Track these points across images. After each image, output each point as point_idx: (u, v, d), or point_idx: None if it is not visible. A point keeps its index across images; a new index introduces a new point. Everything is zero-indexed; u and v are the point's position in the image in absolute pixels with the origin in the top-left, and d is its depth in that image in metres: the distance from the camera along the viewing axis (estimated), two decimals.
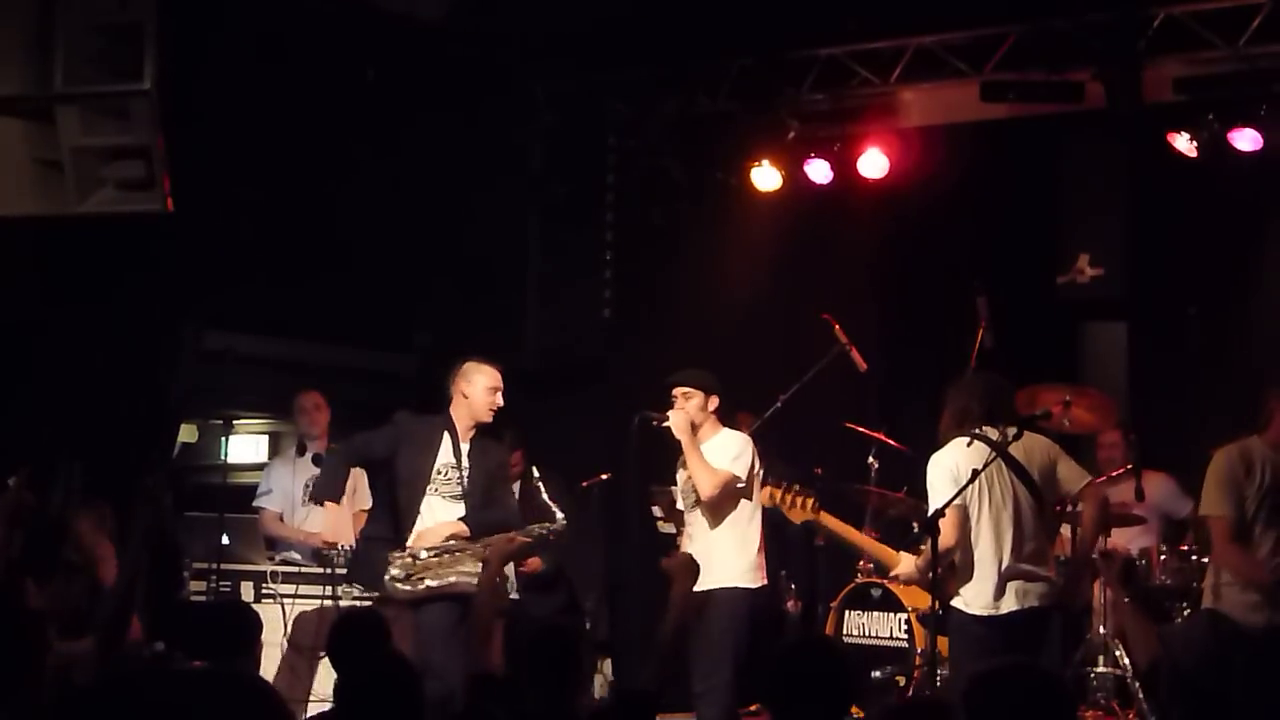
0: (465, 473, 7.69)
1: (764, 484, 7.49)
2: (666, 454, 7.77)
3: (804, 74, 10.31)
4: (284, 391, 9.63)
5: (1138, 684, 8.06)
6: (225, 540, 8.50)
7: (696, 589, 7.51)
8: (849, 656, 6.17)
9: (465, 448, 7.74)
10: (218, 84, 8.73)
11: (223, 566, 8.40)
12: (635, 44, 10.30)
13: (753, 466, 7.54)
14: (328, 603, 8.23)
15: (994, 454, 6.59)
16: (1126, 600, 8.32)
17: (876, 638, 8.84)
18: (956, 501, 6.50)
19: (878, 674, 8.64)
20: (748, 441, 7.59)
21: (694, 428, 7.50)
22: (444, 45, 10.03)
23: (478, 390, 7.81)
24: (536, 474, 8.05)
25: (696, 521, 7.61)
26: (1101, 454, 8.96)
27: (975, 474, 6.52)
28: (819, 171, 10.36)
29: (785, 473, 7.80)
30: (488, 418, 7.85)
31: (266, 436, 11.77)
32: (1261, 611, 6.66)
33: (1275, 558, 6.73)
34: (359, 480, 9.33)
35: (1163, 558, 8.41)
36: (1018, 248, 10.06)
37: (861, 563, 9.21)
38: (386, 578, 7.51)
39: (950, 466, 6.71)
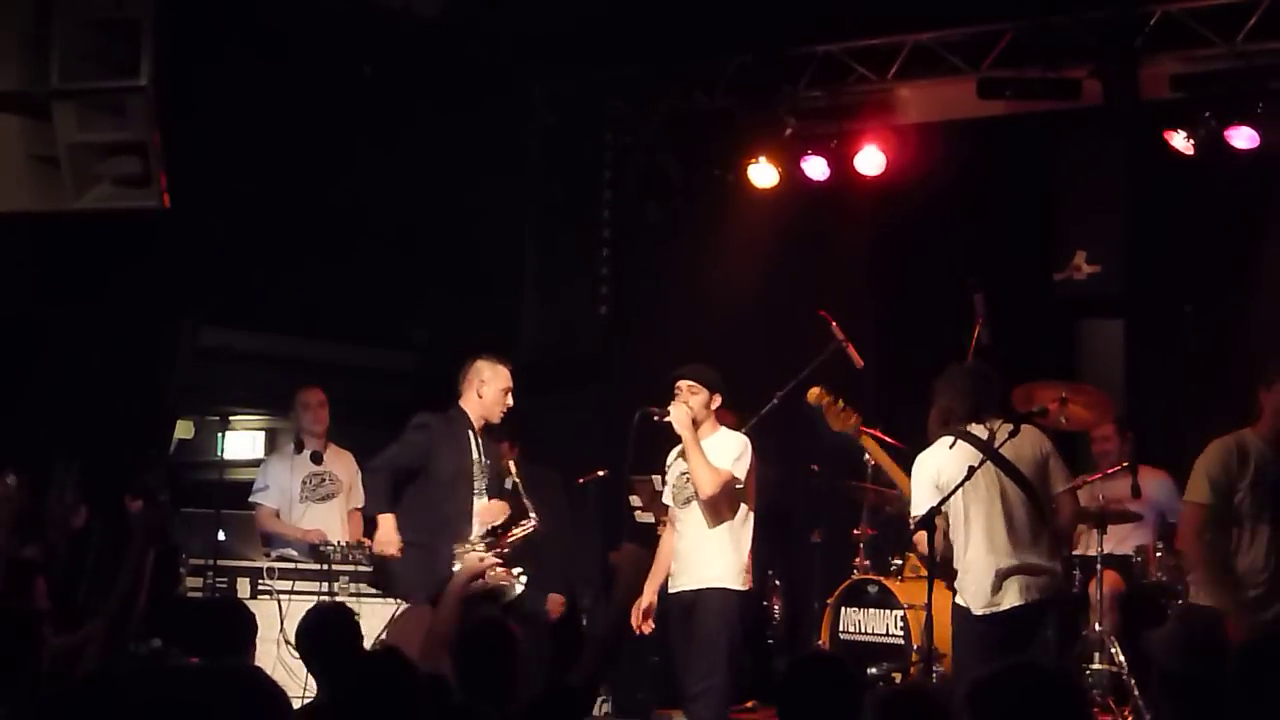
0: (485, 467, 7.85)
1: (814, 384, 7.61)
2: (665, 449, 7.78)
3: (801, 71, 10.31)
4: (281, 388, 9.63)
5: (1133, 680, 8.06)
6: (221, 536, 8.49)
7: (687, 588, 7.54)
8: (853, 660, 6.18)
9: (481, 443, 7.87)
10: (214, 80, 8.73)
11: (219, 563, 8.39)
12: (632, 41, 10.30)
13: (751, 468, 7.55)
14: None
15: (981, 458, 6.59)
16: None
17: (872, 635, 8.85)
18: (938, 505, 6.60)
19: (874, 671, 8.64)
20: (748, 443, 7.59)
21: (694, 424, 7.50)
22: (441, 42, 10.03)
23: (493, 390, 7.89)
24: (514, 472, 8.06)
25: (687, 518, 7.59)
26: (1096, 447, 8.96)
27: (960, 483, 6.58)
28: (816, 168, 10.35)
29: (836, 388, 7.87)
30: (498, 419, 7.94)
31: (263, 433, 11.77)
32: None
33: (1271, 557, 6.65)
34: (354, 480, 9.34)
35: (1159, 555, 8.42)
36: (1015, 245, 10.06)
37: (858, 559, 9.22)
38: (505, 582, 7.63)
39: (931, 473, 6.79)
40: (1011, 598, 6.65)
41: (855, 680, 4.72)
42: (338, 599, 8.21)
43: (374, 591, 8.56)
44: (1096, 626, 8.34)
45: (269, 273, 9.73)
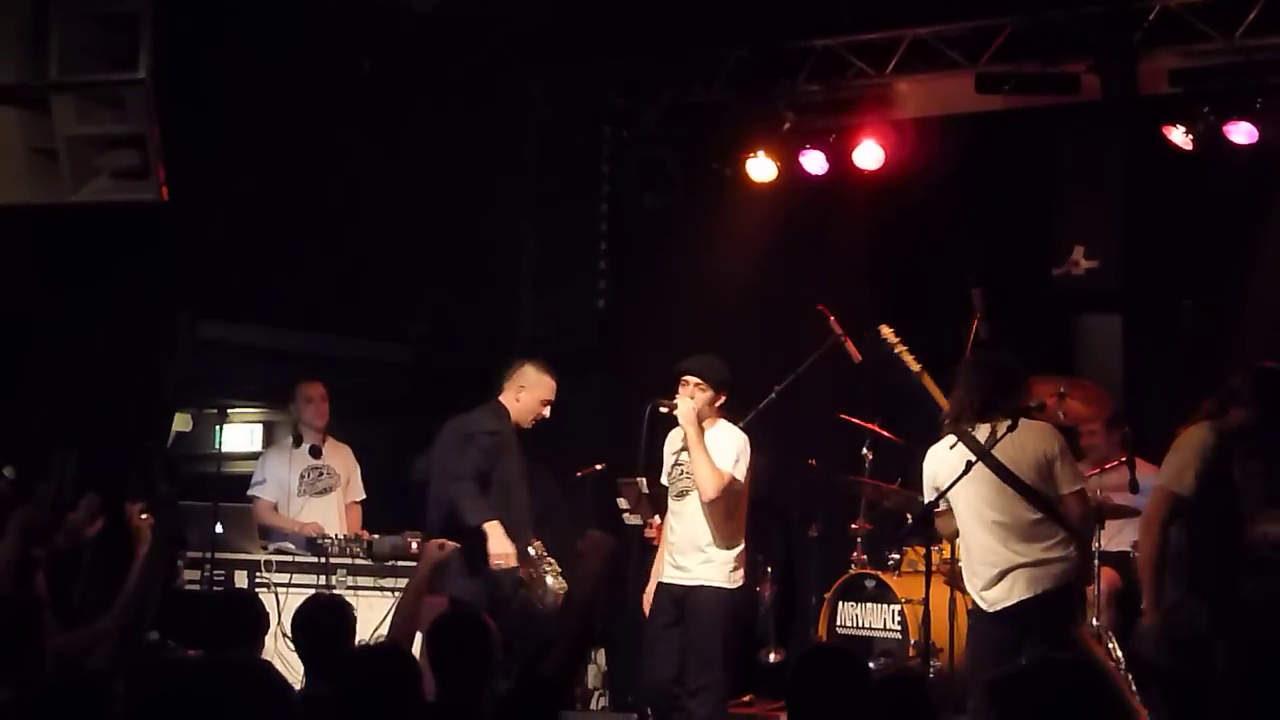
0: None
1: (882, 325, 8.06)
2: (664, 435, 7.80)
3: (799, 65, 10.31)
4: (278, 381, 9.64)
5: (1130, 676, 8.06)
6: (219, 529, 8.49)
7: (677, 581, 7.54)
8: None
9: None
10: (213, 73, 8.71)
11: (216, 555, 8.39)
12: (631, 35, 10.28)
13: (750, 467, 7.56)
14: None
15: (968, 464, 6.60)
16: None
17: (870, 629, 8.85)
18: (941, 502, 6.73)
19: (871, 665, 8.65)
20: (746, 441, 7.61)
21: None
22: (439, 36, 10.02)
23: (531, 398, 7.91)
24: None
25: (681, 510, 7.60)
26: (1084, 440, 8.95)
27: (950, 485, 6.66)
28: (814, 162, 10.34)
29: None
30: (528, 426, 7.95)
31: (261, 426, 11.77)
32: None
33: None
34: (352, 473, 9.35)
35: None
36: (1013, 239, 10.06)
37: (855, 554, 9.22)
38: (551, 580, 7.72)
39: (931, 472, 6.89)
40: (1020, 591, 6.64)
41: (866, 674, 4.71)
42: (334, 592, 8.21)
43: (371, 584, 8.57)
44: (1093, 623, 8.35)
45: (267, 266, 9.72)
